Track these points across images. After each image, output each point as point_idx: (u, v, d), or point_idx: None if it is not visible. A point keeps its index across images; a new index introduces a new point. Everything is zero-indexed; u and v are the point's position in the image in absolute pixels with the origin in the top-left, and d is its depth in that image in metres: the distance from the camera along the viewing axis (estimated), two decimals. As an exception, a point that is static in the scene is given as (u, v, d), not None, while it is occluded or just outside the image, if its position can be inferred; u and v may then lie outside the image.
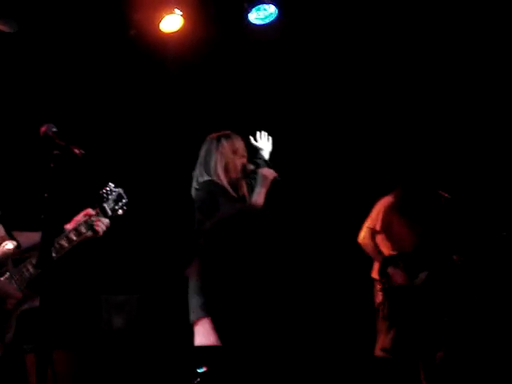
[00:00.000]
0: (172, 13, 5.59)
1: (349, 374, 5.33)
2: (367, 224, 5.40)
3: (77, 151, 2.79)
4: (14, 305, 2.87)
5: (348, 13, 5.85)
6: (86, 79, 6.10)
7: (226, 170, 3.98)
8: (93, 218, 3.27)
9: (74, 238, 3.18)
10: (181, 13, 5.59)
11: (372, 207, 5.46)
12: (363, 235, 5.39)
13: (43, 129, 2.83)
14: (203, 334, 3.65)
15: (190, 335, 3.88)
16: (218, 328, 1.51)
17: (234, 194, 3.97)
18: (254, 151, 4.27)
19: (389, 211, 5.33)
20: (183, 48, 5.86)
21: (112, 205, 3.41)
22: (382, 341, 5.11)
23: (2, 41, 5.32)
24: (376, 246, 5.30)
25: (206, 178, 3.97)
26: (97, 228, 3.25)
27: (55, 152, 2.75)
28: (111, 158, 6.14)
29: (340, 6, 5.78)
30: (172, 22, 5.66)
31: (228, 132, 4.15)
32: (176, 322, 5.29)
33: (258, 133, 4.34)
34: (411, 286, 5.09)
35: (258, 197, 3.91)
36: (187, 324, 3.92)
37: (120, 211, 3.46)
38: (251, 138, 4.29)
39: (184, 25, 5.65)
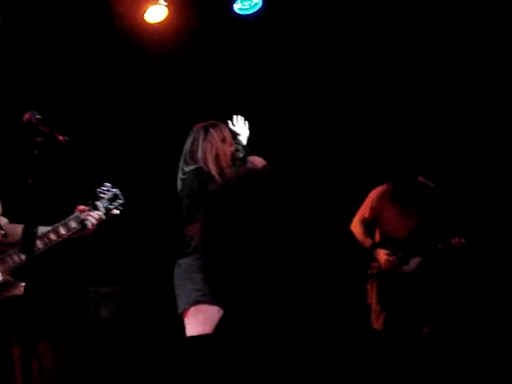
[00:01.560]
0: (157, 3, 5.57)
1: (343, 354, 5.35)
2: (359, 212, 5.44)
3: (61, 138, 2.79)
4: None
5: (335, 2, 5.86)
6: (71, 71, 6.08)
7: (216, 158, 3.93)
8: (84, 214, 3.25)
9: (63, 232, 3.16)
10: (165, 3, 5.56)
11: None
12: (354, 223, 5.42)
13: (27, 116, 2.83)
14: (203, 322, 3.59)
15: (178, 325, 3.86)
16: (221, 303, 1.42)
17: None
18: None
19: (379, 199, 5.36)
20: (168, 38, 5.83)
21: (106, 204, 3.39)
22: (374, 324, 5.15)
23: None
24: (365, 232, 5.34)
25: (193, 166, 3.93)
26: (86, 222, 3.23)
27: (39, 139, 2.75)
28: (92, 148, 6.12)
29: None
30: (156, 13, 5.64)
31: (214, 121, 4.12)
32: (162, 313, 5.30)
33: (234, 117, 4.29)
34: (401, 272, 5.13)
35: None
36: (175, 314, 3.91)
37: (115, 211, 3.45)
38: (229, 123, 4.24)
39: (168, 15, 5.63)
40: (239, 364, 1.31)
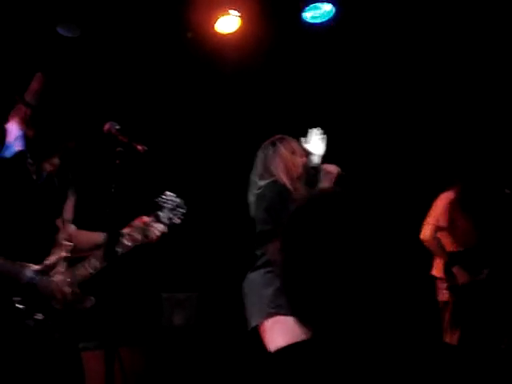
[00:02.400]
0: (227, 14, 5.64)
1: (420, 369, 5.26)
2: (430, 220, 5.30)
3: (139, 148, 2.85)
4: (59, 307, 2.91)
5: (405, 10, 5.79)
6: (144, 82, 6.21)
7: (287, 171, 3.91)
8: (147, 225, 3.30)
9: (128, 243, 3.22)
10: (237, 14, 5.62)
11: (431, 203, 5.37)
12: (426, 232, 5.27)
13: (106, 126, 2.90)
14: (283, 333, 3.49)
15: (250, 331, 3.85)
16: (301, 318, 1.43)
17: (295, 194, 3.87)
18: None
19: (451, 207, 5.24)
20: (240, 49, 5.89)
21: (168, 213, 3.41)
22: (449, 339, 5.04)
23: (66, 45, 5.49)
24: (439, 242, 5.22)
25: (269, 179, 3.91)
26: (150, 234, 3.29)
27: (119, 149, 2.81)
28: (168, 160, 6.23)
29: (397, 2, 5.72)
30: (229, 23, 5.71)
31: (280, 135, 4.10)
32: (236, 320, 5.33)
33: (310, 130, 4.19)
34: (475, 282, 5.01)
35: None
36: (246, 321, 3.91)
37: (176, 220, 3.47)
38: (302, 140, 4.16)
39: (240, 25, 5.69)
40: (328, 372, 1.32)
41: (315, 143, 4.15)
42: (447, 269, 5.13)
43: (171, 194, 3.47)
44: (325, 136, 4.19)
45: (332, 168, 3.96)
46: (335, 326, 1.36)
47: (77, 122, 2.99)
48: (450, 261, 5.11)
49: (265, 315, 3.67)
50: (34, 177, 2.96)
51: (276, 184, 3.87)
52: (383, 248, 1.40)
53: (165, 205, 3.42)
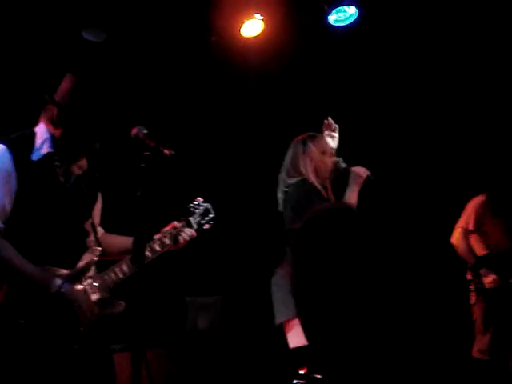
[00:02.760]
0: (252, 18, 5.64)
1: (446, 376, 5.24)
2: (459, 224, 5.30)
3: (166, 152, 2.85)
4: (85, 318, 2.92)
5: (430, 12, 5.76)
6: (169, 86, 6.24)
7: (317, 171, 3.92)
8: (177, 230, 3.32)
9: (158, 248, 3.24)
10: (261, 17, 5.63)
11: (464, 207, 5.36)
12: (456, 235, 5.28)
13: (134, 131, 2.90)
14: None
15: (276, 335, 3.86)
16: (308, 329, 1.46)
17: (325, 194, 3.90)
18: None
19: (481, 211, 5.22)
20: (264, 52, 5.90)
21: (198, 219, 3.45)
22: (479, 342, 5.01)
23: (92, 50, 5.53)
24: (469, 246, 5.21)
25: (297, 178, 3.92)
26: (179, 238, 3.31)
27: (146, 153, 2.83)
28: (191, 161, 6.24)
29: (422, 5, 5.69)
30: (252, 27, 5.71)
31: (312, 133, 4.09)
32: (260, 323, 5.33)
33: (324, 121, 4.16)
34: (505, 285, 4.98)
35: (351, 195, 3.81)
36: (272, 324, 3.92)
37: (206, 226, 3.50)
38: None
39: (264, 29, 5.69)
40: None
41: (329, 133, 4.13)
42: (475, 271, 5.11)
43: (200, 199, 3.50)
44: (337, 126, 4.15)
45: (362, 171, 3.93)
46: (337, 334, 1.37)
47: (103, 124, 3.00)
48: (478, 263, 5.09)
49: (291, 316, 3.67)
50: (62, 179, 2.97)
51: (305, 183, 3.87)
52: (378, 264, 1.41)
53: (195, 210, 3.45)
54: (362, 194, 3.85)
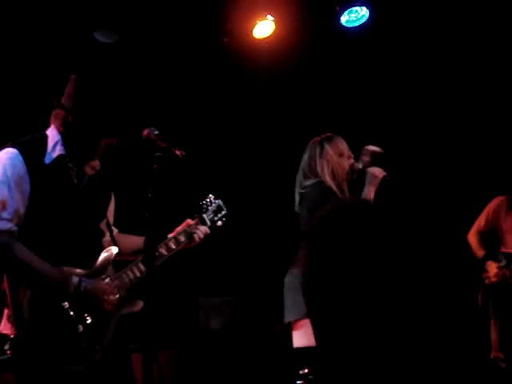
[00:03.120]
0: (264, 19, 5.64)
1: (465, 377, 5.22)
2: (476, 222, 5.41)
3: (178, 153, 2.87)
4: (110, 309, 2.93)
5: (441, 13, 5.74)
6: (181, 87, 6.26)
7: (334, 173, 3.92)
8: (191, 228, 3.34)
9: (173, 246, 3.26)
10: (273, 18, 5.63)
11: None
12: (470, 233, 5.40)
13: (145, 132, 2.91)
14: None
15: (286, 336, 3.87)
16: (318, 330, 1.45)
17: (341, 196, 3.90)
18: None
19: (496, 210, 5.29)
20: (275, 53, 5.90)
21: (211, 215, 3.49)
22: (493, 333, 5.05)
23: (104, 51, 5.55)
24: (479, 243, 5.28)
25: (314, 180, 3.93)
26: (194, 236, 3.33)
27: (157, 154, 2.84)
28: (203, 162, 6.26)
29: (433, 5, 5.66)
30: (264, 28, 5.71)
31: (330, 134, 4.09)
32: (271, 324, 5.34)
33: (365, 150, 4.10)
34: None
35: (368, 196, 3.83)
36: (283, 325, 3.92)
37: (219, 222, 3.53)
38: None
39: (275, 30, 5.69)
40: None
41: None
42: (481, 266, 5.16)
43: (212, 196, 3.52)
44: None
45: (378, 172, 3.94)
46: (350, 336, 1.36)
47: (112, 123, 3.00)
48: (485, 258, 5.15)
49: (303, 314, 3.66)
50: (75, 181, 2.98)
51: (321, 185, 3.88)
52: (396, 260, 1.39)
53: (208, 207, 3.47)
54: (378, 195, 3.86)
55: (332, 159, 3.95)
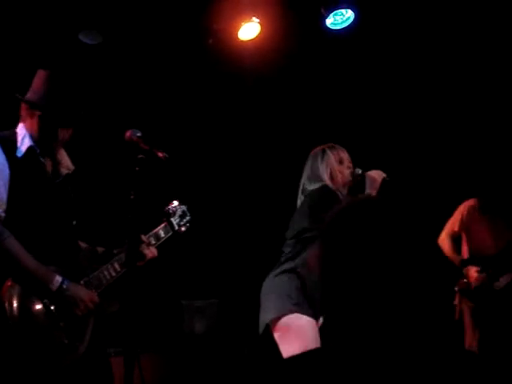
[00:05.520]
0: (249, 21, 5.63)
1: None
2: (447, 225, 5.42)
3: (160, 155, 2.86)
4: (88, 309, 2.92)
5: (427, 14, 5.75)
6: (165, 88, 6.24)
7: (333, 178, 3.98)
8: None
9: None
10: (258, 20, 5.62)
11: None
12: (442, 236, 5.40)
13: (128, 134, 2.91)
14: (299, 336, 3.58)
15: (270, 338, 3.84)
16: (335, 326, 1.46)
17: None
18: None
19: (469, 213, 5.30)
20: (260, 55, 5.90)
21: (178, 220, 3.51)
22: (468, 339, 5.05)
23: (87, 52, 5.52)
24: (453, 248, 5.29)
25: (317, 184, 3.96)
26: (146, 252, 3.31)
27: (140, 156, 2.83)
28: (186, 166, 6.24)
29: (419, 8, 5.67)
30: (249, 30, 5.70)
31: (331, 144, 4.16)
32: (256, 327, 5.32)
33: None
34: (491, 288, 5.02)
35: None
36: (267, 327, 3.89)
37: (183, 228, 3.55)
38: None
39: (261, 32, 5.69)
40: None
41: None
42: (460, 272, 5.19)
43: (177, 202, 3.53)
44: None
45: (376, 175, 3.99)
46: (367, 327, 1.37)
47: (79, 115, 3.00)
48: (463, 264, 5.16)
49: (284, 311, 3.66)
50: (50, 173, 2.99)
51: (325, 188, 3.91)
52: (416, 256, 1.42)
53: (175, 212, 3.48)
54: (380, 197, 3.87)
55: (331, 163, 4.02)
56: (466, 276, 5.15)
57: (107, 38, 5.60)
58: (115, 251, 3.14)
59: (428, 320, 1.43)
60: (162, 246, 3.40)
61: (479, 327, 5.03)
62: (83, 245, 3.23)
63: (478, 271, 5.08)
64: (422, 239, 1.46)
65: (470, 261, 5.18)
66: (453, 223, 5.37)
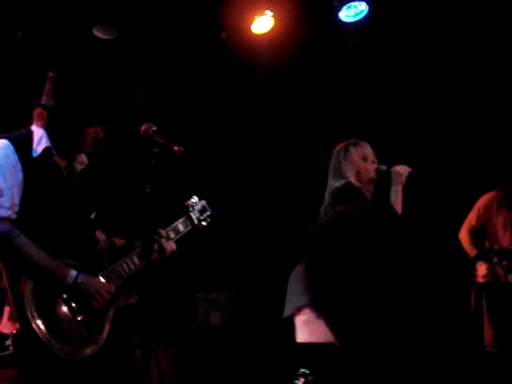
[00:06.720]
0: (263, 14, 5.65)
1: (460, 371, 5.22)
2: (466, 220, 5.40)
3: (176, 148, 2.87)
4: (106, 300, 2.93)
5: (440, 8, 5.73)
6: (179, 82, 6.26)
7: (357, 175, 3.92)
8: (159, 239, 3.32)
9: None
10: (271, 14, 5.63)
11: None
12: (461, 231, 5.40)
13: (143, 128, 2.92)
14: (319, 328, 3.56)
15: (287, 331, 3.86)
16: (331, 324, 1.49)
17: (368, 197, 3.91)
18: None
19: (487, 206, 5.28)
20: (273, 49, 5.91)
21: (198, 215, 3.50)
22: (486, 336, 5.05)
23: (103, 46, 5.55)
24: (471, 241, 5.28)
25: (342, 181, 3.91)
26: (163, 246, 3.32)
27: (155, 150, 2.84)
28: (206, 160, 6.26)
29: (431, 0, 5.66)
30: (263, 23, 5.72)
31: (355, 140, 4.11)
32: (271, 319, 5.34)
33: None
34: (505, 281, 5.02)
35: (396, 195, 3.84)
36: (283, 321, 3.91)
37: (203, 223, 3.53)
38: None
39: (274, 25, 5.70)
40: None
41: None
42: (473, 265, 5.17)
43: (196, 197, 3.53)
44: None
45: (402, 170, 3.95)
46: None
47: (97, 113, 3.00)
48: (477, 257, 5.15)
49: (302, 303, 3.66)
50: (65, 174, 3.00)
51: (349, 185, 3.88)
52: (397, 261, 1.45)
53: (194, 207, 3.48)
54: (406, 191, 3.88)
55: (355, 160, 3.97)
56: (476, 271, 5.15)
57: (122, 32, 5.63)
58: (136, 244, 3.15)
59: (428, 318, 1.44)
60: (177, 240, 3.41)
61: (494, 320, 5.02)
62: (102, 237, 3.25)
63: (487, 268, 5.07)
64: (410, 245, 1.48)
65: (484, 254, 5.17)
66: (471, 217, 5.38)
